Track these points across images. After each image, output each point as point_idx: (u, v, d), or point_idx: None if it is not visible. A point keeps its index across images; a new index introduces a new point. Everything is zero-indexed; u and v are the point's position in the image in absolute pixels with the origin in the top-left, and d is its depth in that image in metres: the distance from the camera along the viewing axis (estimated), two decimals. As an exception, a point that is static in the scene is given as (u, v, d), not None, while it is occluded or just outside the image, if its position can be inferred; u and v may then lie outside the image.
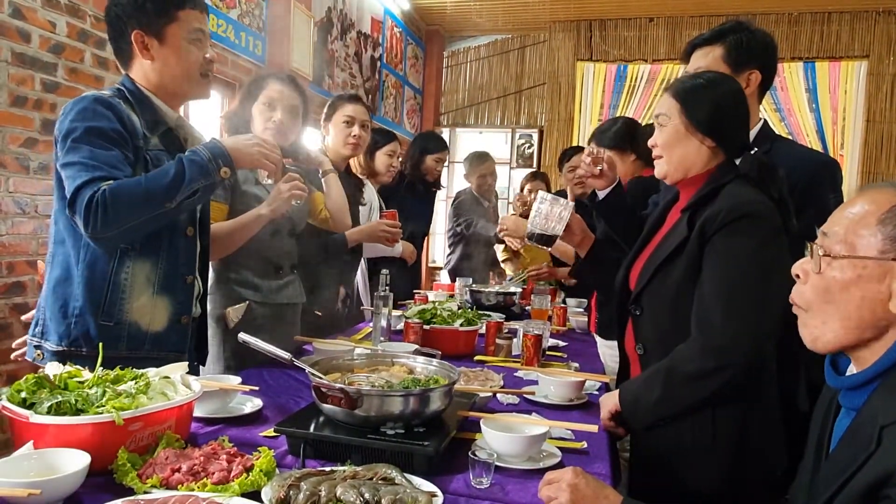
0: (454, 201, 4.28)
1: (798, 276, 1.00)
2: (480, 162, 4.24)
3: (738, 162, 1.50)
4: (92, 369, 1.25)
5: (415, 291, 3.23)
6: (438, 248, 7.44)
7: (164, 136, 1.62)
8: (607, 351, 2.41)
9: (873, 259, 0.91)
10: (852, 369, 0.98)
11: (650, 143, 1.56)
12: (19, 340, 1.76)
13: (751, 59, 1.77)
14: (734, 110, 1.49)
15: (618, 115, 6.77)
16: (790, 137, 5.69)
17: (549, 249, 2.00)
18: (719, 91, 1.48)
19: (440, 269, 6.34)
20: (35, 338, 1.58)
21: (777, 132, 1.91)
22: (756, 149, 1.57)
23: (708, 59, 1.78)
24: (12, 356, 1.74)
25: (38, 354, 1.56)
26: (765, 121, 1.85)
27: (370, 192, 3.03)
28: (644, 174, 2.61)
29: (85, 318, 1.52)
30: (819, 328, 0.97)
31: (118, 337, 1.54)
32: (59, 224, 1.56)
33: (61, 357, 1.50)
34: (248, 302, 2.04)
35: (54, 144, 1.53)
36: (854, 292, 0.92)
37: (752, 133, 1.80)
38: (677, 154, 1.50)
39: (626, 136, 2.67)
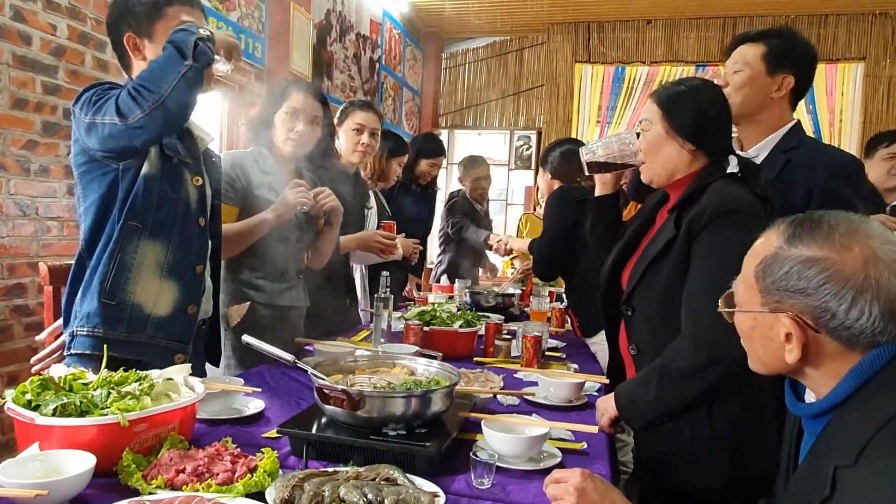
0: (447, 203, 4.29)
1: None
2: (475, 165, 4.23)
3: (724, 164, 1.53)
4: (93, 351, 1.24)
5: (414, 294, 3.24)
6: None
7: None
8: (599, 349, 2.43)
9: (757, 312, 0.95)
10: (810, 394, 1.00)
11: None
12: (41, 354, 1.70)
13: (788, 63, 1.81)
14: (716, 116, 1.52)
15: (616, 116, 6.82)
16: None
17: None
18: (701, 98, 1.52)
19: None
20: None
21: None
22: (738, 152, 1.60)
23: (748, 55, 1.82)
24: (35, 368, 1.67)
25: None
26: (798, 121, 1.88)
27: (372, 201, 3.03)
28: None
29: (91, 297, 1.52)
30: (751, 362, 1.04)
31: (118, 318, 1.53)
32: (89, 218, 1.55)
33: (70, 338, 1.51)
34: (249, 302, 2.05)
35: (75, 128, 1.52)
36: (756, 339, 0.99)
37: (782, 132, 1.84)
38: (660, 158, 1.54)
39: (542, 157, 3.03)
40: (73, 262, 1.60)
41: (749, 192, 1.44)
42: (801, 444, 1.02)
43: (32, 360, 1.69)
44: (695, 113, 1.49)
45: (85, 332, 1.51)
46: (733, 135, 1.75)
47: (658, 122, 1.53)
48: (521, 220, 4.72)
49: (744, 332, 1.01)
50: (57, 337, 1.68)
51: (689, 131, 1.49)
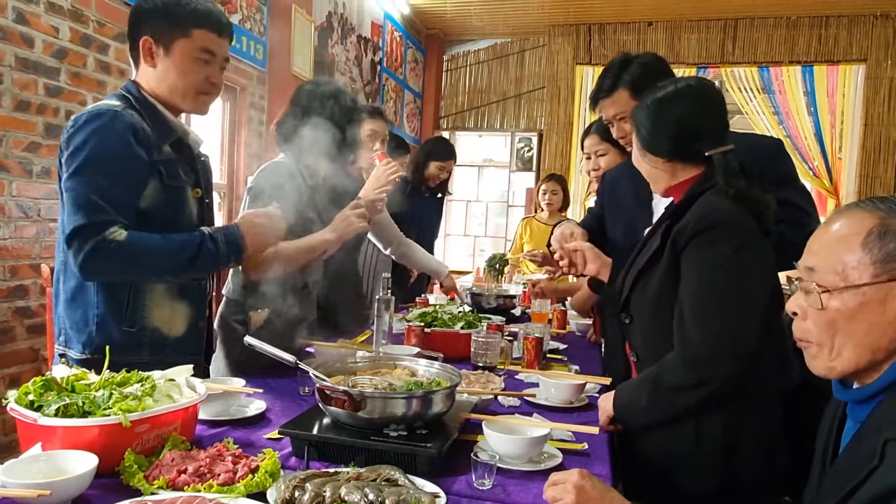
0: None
1: (795, 313, 1.00)
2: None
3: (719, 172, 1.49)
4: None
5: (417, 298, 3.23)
6: (442, 253, 7.45)
7: (175, 144, 1.63)
8: None
9: (869, 285, 0.91)
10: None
11: None
12: None
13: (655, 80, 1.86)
14: (689, 126, 1.46)
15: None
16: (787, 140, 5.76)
17: None
18: (665, 115, 1.47)
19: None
20: (60, 346, 1.59)
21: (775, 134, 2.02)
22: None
23: (624, 105, 1.90)
24: None
25: (64, 362, 1.56)
26: None
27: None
28: None
29: (107, 325, 1.54)
30: (833, 360, 0.97)
31: (140, 343, 1.57)
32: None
33: (86, 364, 1.49)
34: (268, 309, 2.05)
35: (59, 153, 1.51)
36: (860, 320, 0.92)
37: None
38: (644, 171, 1.57)
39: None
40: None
41: (740, 202, 1.38)
42: (841, 436, 1.02)
43: None
44: (668, 130, 1.46)
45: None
46: None
47: (634, 139, 1.55)
48: (520, 225, 4.67)
49: (845, 315, 0.93)
50: None
51: (664, 151, 1.48)
